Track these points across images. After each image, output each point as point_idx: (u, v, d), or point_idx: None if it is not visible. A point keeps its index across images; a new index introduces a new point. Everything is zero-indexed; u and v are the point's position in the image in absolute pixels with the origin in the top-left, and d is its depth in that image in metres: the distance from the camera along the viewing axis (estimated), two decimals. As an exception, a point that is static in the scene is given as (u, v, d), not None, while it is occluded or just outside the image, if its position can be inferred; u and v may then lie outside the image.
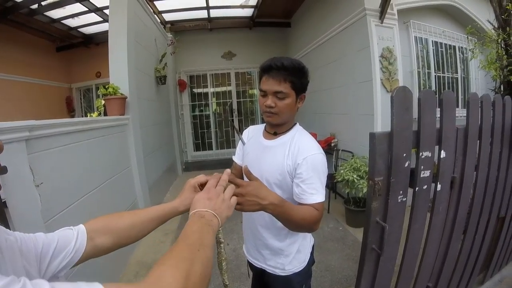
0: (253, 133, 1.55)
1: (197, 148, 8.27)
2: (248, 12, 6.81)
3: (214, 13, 6.73)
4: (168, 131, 6.71)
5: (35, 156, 1.92)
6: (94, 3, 5.36)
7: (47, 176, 2.03)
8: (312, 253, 1.50)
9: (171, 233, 3.95)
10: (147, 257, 3.39)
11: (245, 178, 1.18)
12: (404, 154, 1.21)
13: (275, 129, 1.37)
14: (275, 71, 1.22)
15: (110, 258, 2.84)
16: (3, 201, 1.60)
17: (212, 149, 8.26)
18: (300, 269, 1.41)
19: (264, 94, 1.28)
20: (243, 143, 1.57)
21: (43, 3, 5.09)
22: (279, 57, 1.25)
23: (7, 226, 1.59)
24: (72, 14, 5.78)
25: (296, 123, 1.41)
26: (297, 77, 1.24)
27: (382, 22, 3.98)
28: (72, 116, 7.71)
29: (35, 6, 5.16)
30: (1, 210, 1.56)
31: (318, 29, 5.49)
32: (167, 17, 6.69)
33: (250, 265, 1.58)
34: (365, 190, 3.42)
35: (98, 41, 7.17)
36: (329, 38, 5.05)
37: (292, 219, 1.13)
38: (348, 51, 4.52)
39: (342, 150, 4.78)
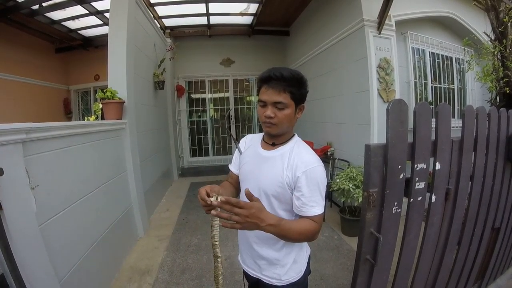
0: (251, 142, 1.54)
1: (193, 153, 8.26)
2: (247, 20, 6.86)
3: (214, 20, 6.77)
4: (165, 136, 6.70)
5: (31, 159, 1.92)
6: (95, 6, 5.38)
7: (43, 179, 2.03)
8: (308, 263, 1.49)
9: (166, 239, 3.94)
10: (141, 263, 3.37)
11: (242, 196, 1.22)
12: (399, 166, 1.22)
13: (273, 140, 1.37)
14: (274, 81, 1.22)
15: (103, 263, 2.84)
16: None
17: (208, 155, 8.25)
18: (297, 280, 1.40)
19: (264, 104, 1.28)
20: (240, 152, 1.57)
21: (44, 4, 5.10)
22: (278, 68, 1.24)
23: (1, 228, 1.58)
24: (73, 16, 5.79)
25: (294, 134, 1.41)
26: (296, 87, 1.24)
27: (380, 33, 4.02)
28: (69, 118, 7.69)
29: (36, 6, 5.17)
30: None
31: (317, 38, 5.54)
32: (167, 22, 6.73)
33: (246, 275, 1.57)
34: (360, 199, 3.42)
35: (98, 44, 7.20)
36: (327, 47, 5.09)
37: (289, 236, 1.17)
38: (346, 61, 4.55)
39: (338, 159, 4.79)
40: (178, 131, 7.83)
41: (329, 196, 4.84)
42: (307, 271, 1.48)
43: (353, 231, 3.80)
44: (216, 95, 8.14)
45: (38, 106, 6.68)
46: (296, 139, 1.39)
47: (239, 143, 1.62)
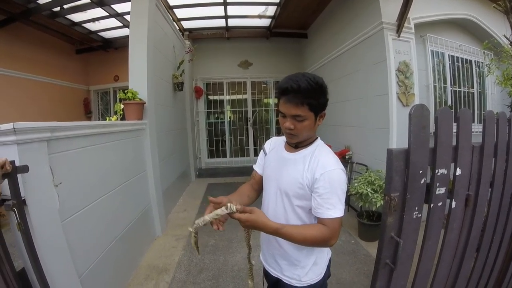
0: (275, 145, 1.58)
1: (211, 155, 8.31)
2: (265, 22, 6.88)
3: (232, 22, 6.82)
4: (183, 137, 6.79)
5: (55, 157, 1.99)
6: (115, 9, 5.48)
7: (66, 176, 2.10)
8: (328, 266, 1.51)
9: (183, 238, 4.00)
10: (158, 261, 3.42)
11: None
12: (421, 171, 1.22)
13: (296, 143, 1.39)
14: (292, 94, 1.22)
15: (121, 260, 2.89)
16: (22, 198, 1.66)
17: (226, 157, 8.29)
18: (316, 282, 1.42)
19: (284, 115, 1.29)
20: (265, 154, 1.60)
21: (65, 6, 5.21)
22: (295, 77, 1.24)
23: (25, 223, 1.64)
24: (93, 18, 5.92)
25: (317, 138, 1.42)
26: (314, 98, 1.24)
27: (399, 36, 3.98)
28: (89, 118, 7.85)
29: (57, 8, 5.29)
30: (20, 207, 1.62)
31: (335, 41, 5.52)
32: (186, 24, 6.82)
33: (266, 274, 1.59)
34: (378, 204, 3.40)
35: (117, 46, 7.34)
36: (346, 50, 5.06)
37: (293, 241, 1.23)
38: (364, 64, 4.52)
39: (356, 163, 4.76)
40: (196, 132, 7.89)
41: (347, 201, 4.80)
42: (327, 274, 1.49)
43: (371, 235, 3.77)
44: (234, 97, 8.19)
45: (58, 106, 6.84)
46: (318, 142, 1.41)
47: (264, 144, 1.65)
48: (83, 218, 2.31)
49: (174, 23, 6.06)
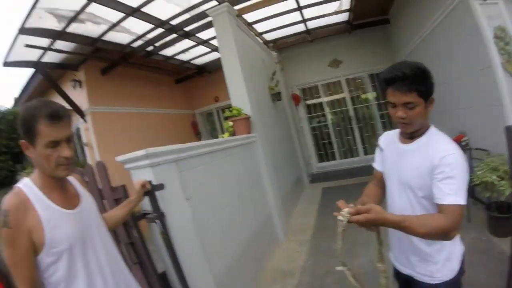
0: (389, 139, 1.56)
1: (320, 159, 8.34)
2: (343, 17, 6.68)
3: (311, 24, 6.75)
4: (290, 145, 6.96)
5: (184, 174, 2.32)
6: (200, 37, 5.89)
7: (194, 190, 2.42)
8: (462, 262, 1.41)
9: (306, 243, 4.08)
10: (283, 265, 3.57)
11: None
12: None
13: (410, 134, 1.37)
14: (399, 82, 1.22)
15: (248, 264, 3.14)
16: (161, 211, 1.96)
17: (335, 159, 8.20)
18: (450, 278, 1.35)
19: (393, 105, 1.29)
20: (381, 150, 1.59)
21: (156, 45, 5.78)
22: (397, 65, 1.24)
23: (166, 232, 1.97)
24: (183, 50, 6.50)
25: (431, 125, 1.38)
26: (421, 83, 1.22)
27: (485, 0, 3.49)
28: (199, 139, 8.60)
29: (150, 48, 5.90)
30: (162, 219, 1.95)
31: (420, 20, 5.08)
32: (268, 37, 6.94)
33: (397, 273, 1.57)
34: (507, 192, 2.99)
35: (211, 69, 7.92)
36: (434, 27, 4.61)
37: (416, 234, 1.16)
38: (458, 38, 4.06)
39: (475, 149, 4.28)
40: (302, 138, 8.01)
41: (471, 192, 4.33)
42: (461, 271, 1.40)
43: (504, 230, 3.33)
44: (332, 98, 8.10)
45: (170, 131, 7.60)
46: (432, 130, 1.37)
47: (378, 141, 1.65)
48: (212, 227, 2.61)
49: (257, 38, 6.27)
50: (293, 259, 3.69)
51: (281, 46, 7.49)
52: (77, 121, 5.92)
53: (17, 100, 9.14)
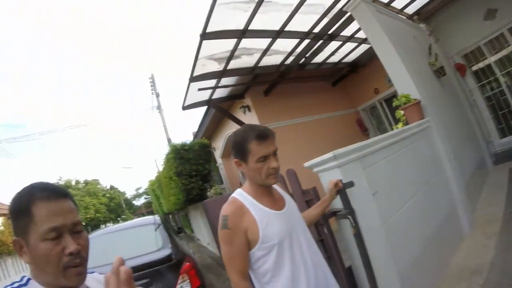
0: None
1: (502, 134, 6.81)
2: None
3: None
4: (465, 123, 6.16)
5: (367, 171, 2.38)
6: (344, 34, 5.89)
7: (378, 185, 2.43)
8: None
9: (493, 236, 3.52)
10: (469, 262, 3.18)
11: None
12: None
13: None
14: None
15: (432, 260, 2.90)
16: (352, 208, 2.08)
17: (522, 131, 6.66)
18: None
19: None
20: None
21: (306, 56, 6.11)
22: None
23: (357, 227, 2.07)
24: (332, 52, 6.61)
25: None
26: None
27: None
28: (367, 135, 8.47)
29: (302, 60, 6.27)
30: (353, 215, 2.07)
31: None
32: (409, 10, 6.31)
33: None
34: None
35: (363, 63, 7.82)
36: None
37: None
38: None
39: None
40: (477, 113, 6.82)
41: None
42: None
43: None
44: (499, 55, 6.53)
45: (336, 134, 7.76)
46: None
47: None
48: (396, 221, 2.58)
49: (400, 15, 5.88)
50: (480, 254, 3.24)
51: (426, 15, 6.67)
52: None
53: (195, 134, 11.05)
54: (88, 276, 1.01)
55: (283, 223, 1.55)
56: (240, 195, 1.60)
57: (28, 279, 0.89)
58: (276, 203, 1.63)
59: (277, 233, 1.50)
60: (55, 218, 0.88)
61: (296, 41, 5.31)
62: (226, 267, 1.54)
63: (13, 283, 0.87)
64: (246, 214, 1.51)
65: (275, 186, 1.72)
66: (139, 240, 4.05)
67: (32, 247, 0.87)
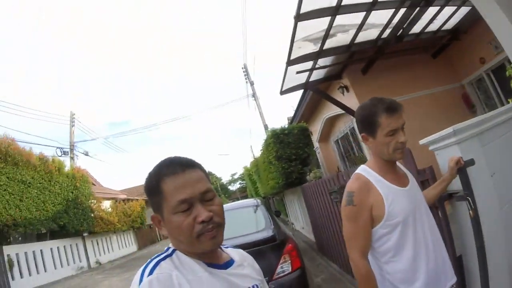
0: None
1: None
2: None
3: None
4: None
5: (485, 148, 2.13)
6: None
7: (497, 166, 2.17)
8: None
9: None
10: None
11: None
12: None
13: None
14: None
15: None
16: (471, 189, 1.87)
17: None
18: None
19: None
20: None
21: (404, 27, 5.55)
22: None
23: (475, 211, 1.86)
24: (430, 20, 5.91)
25: None
26: None
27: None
28: (474, 113, 7.32)
29: (399, 32, 5.71)
30: (472, 197, 1.85)
31: None
32: None
33: None
34: None
35: (466, 28, 6.72)
36: None
37: None
38: None
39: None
40: None
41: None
42: None
43: None
44: None
45: (438, 113, 6.89)
46: None
47: None
48: None
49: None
50: None
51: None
52: (351, 121, 6.55)
53: (292, 119, 11.14)
54: (231, 249, 1.11)
55: (408, 201, 1.50)
56: (365, 171, 1.57)
57: (174, 250, 0.95)
58: (400, 179, 1.58)
59: (402, 210, 1.45)
60: (183, 190, 0.90)
61: (392, 11, 4.88)
62: (347, 244, 1.52)
63: (159, 254, 0.94)
64: (372, 190, 1.48)
65: (398, 163, 1.68)
66: (244, 220, 4.29)
67: (166, 221, 0.93)
